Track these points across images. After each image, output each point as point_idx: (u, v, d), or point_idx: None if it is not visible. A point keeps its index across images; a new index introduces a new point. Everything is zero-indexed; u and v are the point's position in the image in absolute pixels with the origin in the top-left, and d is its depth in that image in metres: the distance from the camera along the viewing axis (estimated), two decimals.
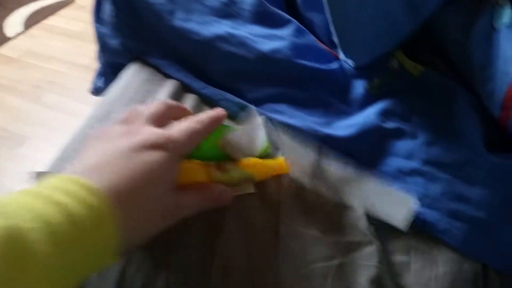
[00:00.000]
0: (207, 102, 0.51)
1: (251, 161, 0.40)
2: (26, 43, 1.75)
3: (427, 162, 0.44)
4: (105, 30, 0.58)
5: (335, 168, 0.43)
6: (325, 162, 0.43)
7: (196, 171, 0.37)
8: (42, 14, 1.88)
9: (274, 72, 0.52)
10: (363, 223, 0.40)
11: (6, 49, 1.71)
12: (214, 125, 0.38)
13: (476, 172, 0.42)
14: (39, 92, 1.53)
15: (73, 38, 1.77)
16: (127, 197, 0.29)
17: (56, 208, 0.25)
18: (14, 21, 1.81)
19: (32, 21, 1.84)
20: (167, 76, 0.54)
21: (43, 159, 1.01)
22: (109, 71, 0.61)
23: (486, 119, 0.46)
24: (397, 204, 0.40)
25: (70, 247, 0.25)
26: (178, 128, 0.34)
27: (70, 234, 0.25)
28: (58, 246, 0.24)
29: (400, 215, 0.39)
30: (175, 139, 0.33)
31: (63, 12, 1.94)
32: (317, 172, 0.42)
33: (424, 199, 0.42)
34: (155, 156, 0.31)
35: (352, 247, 0.38)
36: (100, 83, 0.65)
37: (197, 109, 0.51)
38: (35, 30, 1.83)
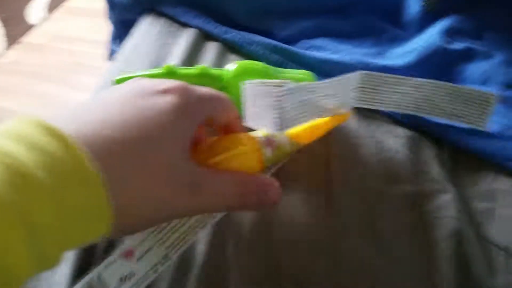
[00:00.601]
0: (232, 48, 0.45)
1: (301, 129, 0.32)
2: (51, 28, 1.74)
3: (509, 85, 0.39)
4: None
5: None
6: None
7: (244, 144, 0.28)
8: None
9: (307, 1, 0.45)
10: (433, 168, 0.34)
11: (33, 36, 1.70)
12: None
13: None
14: (70, 76, 1.51)
15: (97, 16, 1.72)
16: (112, 150, 0.20)
17: None
18: (36, 7, 1.79)
19: (54, 4, 1.82)
20: (184, 25, 0.48)
21: None
22: (122, 31, 0.55)
23: None
24: (472, 101, 0.33)
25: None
26: (201, 88, 0.26)
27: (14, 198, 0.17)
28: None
29: (479, 113, 0.33)
30: (195, 90, 0.25)
31: None
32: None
33: (508, 131, 0.36)
34: (165, 100, 0.23)
35: (423, 198, 0.32)
36: (115, 47, 0.59)
37: (222, 58, 0.44)
38: (58, 13, 1.81)
